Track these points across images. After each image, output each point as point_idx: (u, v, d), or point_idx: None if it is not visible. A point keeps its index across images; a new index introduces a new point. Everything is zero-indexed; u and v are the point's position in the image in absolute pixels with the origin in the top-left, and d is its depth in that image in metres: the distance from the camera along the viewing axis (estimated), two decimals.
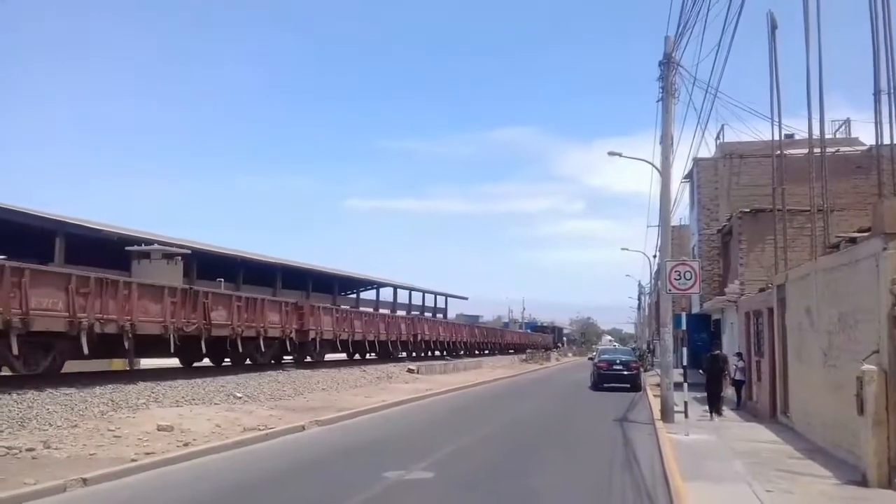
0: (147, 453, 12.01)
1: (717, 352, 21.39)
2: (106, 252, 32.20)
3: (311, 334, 28.50)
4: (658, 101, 19.27)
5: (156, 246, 27.33)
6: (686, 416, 16.36)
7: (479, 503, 9.35)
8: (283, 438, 15.01)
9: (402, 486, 10.39)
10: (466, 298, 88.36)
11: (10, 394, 14.72)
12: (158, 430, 14.07)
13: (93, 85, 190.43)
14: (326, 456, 13.01)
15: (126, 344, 18.68)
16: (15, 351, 15.49)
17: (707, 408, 19.31)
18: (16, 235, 34.60)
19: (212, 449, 12.99)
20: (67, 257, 33.14)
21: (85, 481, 9.87)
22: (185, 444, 13.03)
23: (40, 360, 17.18)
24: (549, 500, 9.63)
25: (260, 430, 15.27)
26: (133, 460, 11.36)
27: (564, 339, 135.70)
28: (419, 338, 42.44)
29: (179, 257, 26.36)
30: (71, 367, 19.19)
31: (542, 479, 10.98)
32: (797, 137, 23.21)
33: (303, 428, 16.17)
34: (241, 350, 24.25)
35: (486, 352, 61.14)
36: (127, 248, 27.46)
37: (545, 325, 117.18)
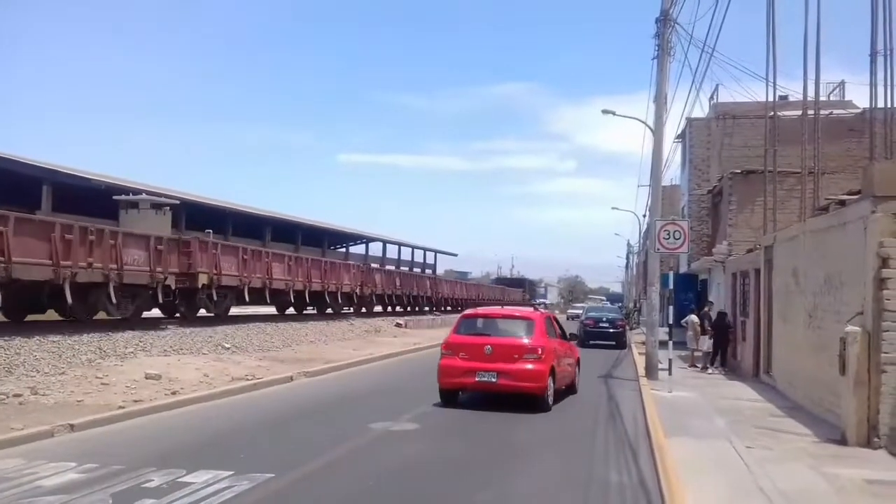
0: (135, 401, 12.07)
1: (723, 310, 21.87)
2: (94, 201, 31.99)
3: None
4: (653, 59, 19.14)
5: (144, 196, 27.19)
6: (670, 373, 16.55)
7: (463, 454, 9.47)
8: (271, 389, 15.11)
9: (389, 436, 10.50)
10: (456, 255, 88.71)
11: None
12: (146, 378, 14.13)
13: (79, 33, 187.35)
14: (314, 406, 13.11)
15: None
16: None
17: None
18: (2, 183, 34.27)
19: (199, 398, 13.08)
20: (55, 206, 32.90)
21: (72, 427, 9.93)
22: (173, 393, 13.10)
23: None
24: (536, 452, 9.75)
25: (248, 380, 15.35)
26: (121, 407, 11.42)
27: (542, 294, 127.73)
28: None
29: (168, 207, 26.24)
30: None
31: (528, 432, 11.12)
32: (791, 99, 23.12)
33: (291, 379, 16.28)
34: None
35: (409, 308, 45.48)
36: (115, 197, 27.30)
37: (515, 277, 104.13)
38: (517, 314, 14.66)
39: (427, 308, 48.70)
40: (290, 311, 32.38)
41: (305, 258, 31.31)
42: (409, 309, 44.65)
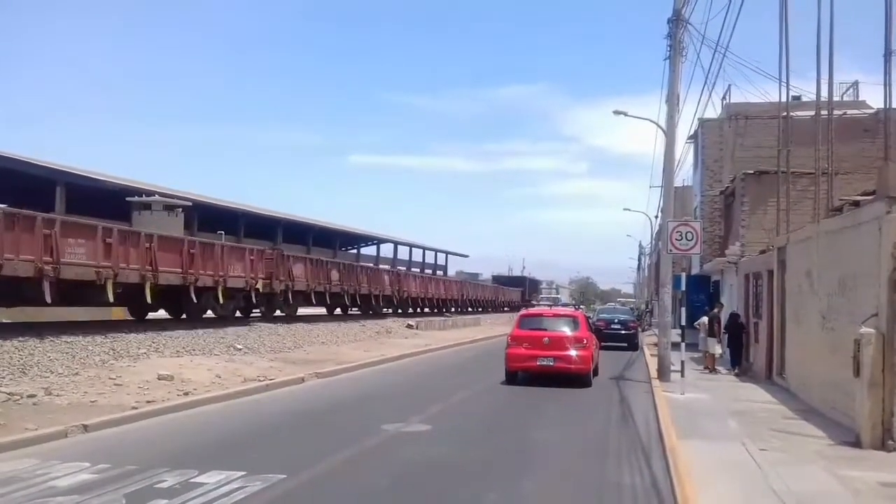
0: (148, 402, 12.13)
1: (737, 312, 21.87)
2: (107, 203, 32.18)
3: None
4: (665, 60, 19.04)
5: (156, 197, 27.33)
6: (682, 375, 16.46)
7: (476, 456, 9.45)
8: (283, 390, 15.15)
9: (401, 437, 10.50)
10: (467, 256, 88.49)
11: (11, 341, 14.81)
12: (159, 379, 14.19)
13: (83, 29, 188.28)
14: (326, 407, 13.13)
15: None
16: None
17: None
18: (17, 185, 34.54)
19: (212, 398, 13.12)
20: (68, 207, 33.11)
21: (86, 427, 9.99)
22: (186, 394, 13.15)
23: None
24: (547, 455, 9.73)
25: (260, 381, 15.40)
26: (134, 408, 11.48)
27: (555, 297, 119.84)
28: None
29: (180, 209, 26.37)
30: None
31: (538, 434, 11.08)
32: (804, 99, 22.95)
33: (302, 380, 16.31)
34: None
35: (360, 310, 36.38)
36: (128, 198, 27.46)
37: (514, 276, 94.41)
38: (565, 313, 19.48)
39: (388, 310, 39.85)
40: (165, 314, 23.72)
41: (149, 234, 20.20)
42: (358, 311, 36.26)
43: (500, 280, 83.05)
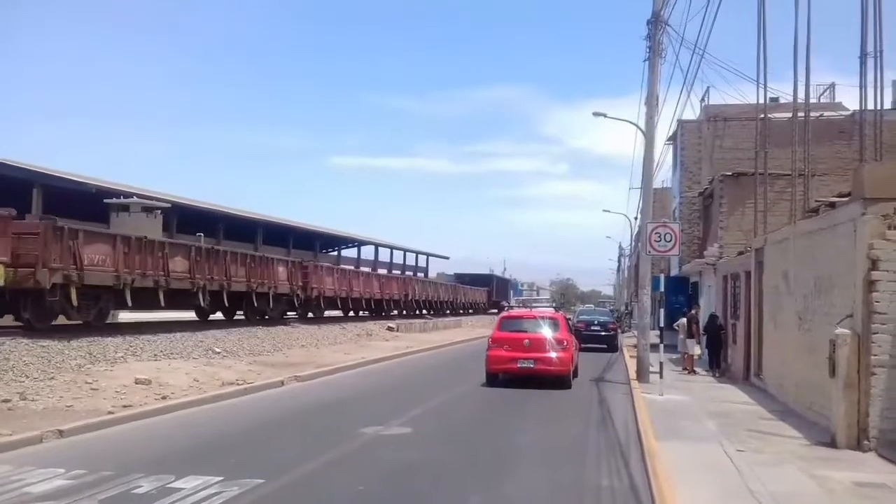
0: (124, 406, 12.02)
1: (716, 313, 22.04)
2: (85, 205, 31.85)
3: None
4: (644, 61, 19.17)
5: (135, 199, 27.08)
6: (661, 376, 16.55)
7: (456, 459, 9.44)
8: (262, 393, 15.06)
9: (380, 440, 10.47)
10: (447, 258, 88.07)
11: None
12: (136, 383, 14.06)
13: (71, 36, 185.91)
14: (305, 411, 13.07)
15: None
16: None
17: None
18: None
19: (190, 402, 13.02)
20: (45, 209, 32.73)
21: (61, 433, 9.88)
22: (163, 398, 13.04)
23: None
24: (527, 457, 9.74)
25: (238, 384, 15.30)
26: (110, 413, 11.38)
27: (532, 295, 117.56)
28: None
29: (159, 211, 26.14)
30: None
31: (519, 436, 11.09)
32: (782, 101, 23.18)
33: (282, 383, 16.22)
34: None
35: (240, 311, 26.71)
36: (106, 200, 27.19)
37: (480, 273, 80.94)
38: (546, 315, 19.20)
39: (295, 314, 31.93)
40: None
41: None
42: (243, 316, 27.40)
43: (462, 279, 69.91)
